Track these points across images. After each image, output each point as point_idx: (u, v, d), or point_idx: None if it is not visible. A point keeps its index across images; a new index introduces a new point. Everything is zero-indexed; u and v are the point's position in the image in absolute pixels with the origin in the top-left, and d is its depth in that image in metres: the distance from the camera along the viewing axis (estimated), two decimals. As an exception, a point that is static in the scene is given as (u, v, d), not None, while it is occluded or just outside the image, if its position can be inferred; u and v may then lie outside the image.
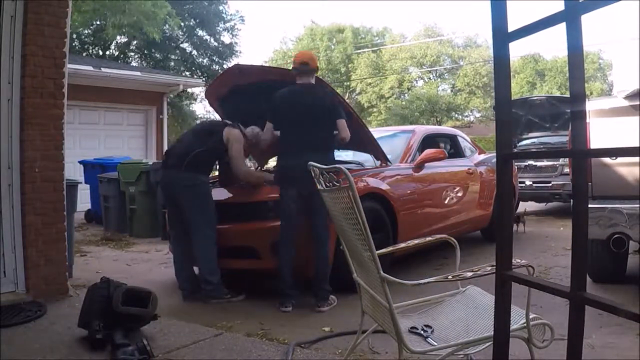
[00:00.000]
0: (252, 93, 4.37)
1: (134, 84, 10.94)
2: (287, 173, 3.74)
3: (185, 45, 23.04)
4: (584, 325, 0.94)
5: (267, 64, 29.80)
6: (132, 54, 22.35)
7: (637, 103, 3.34)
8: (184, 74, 20.05)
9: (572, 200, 0.96)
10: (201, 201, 3.85)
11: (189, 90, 18.87)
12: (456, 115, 31.48)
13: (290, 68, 3.92)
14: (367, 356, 2.66)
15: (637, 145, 1.19)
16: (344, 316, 3.33)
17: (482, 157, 6.19)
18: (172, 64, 22.16)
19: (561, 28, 0.91)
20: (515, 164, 7.17)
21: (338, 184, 1.91)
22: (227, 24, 23.47)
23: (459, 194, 5.43)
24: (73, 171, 7.65)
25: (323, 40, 34.59)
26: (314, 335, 2.95)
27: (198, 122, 23.54)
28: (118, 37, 20.08)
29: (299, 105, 3.71)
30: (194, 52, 23.49)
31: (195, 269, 4.02)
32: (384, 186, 4.29)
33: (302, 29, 40.18)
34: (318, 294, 3.63)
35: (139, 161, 7.56)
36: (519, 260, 1.74)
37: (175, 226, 4.05)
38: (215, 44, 23.48)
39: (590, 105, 3.50)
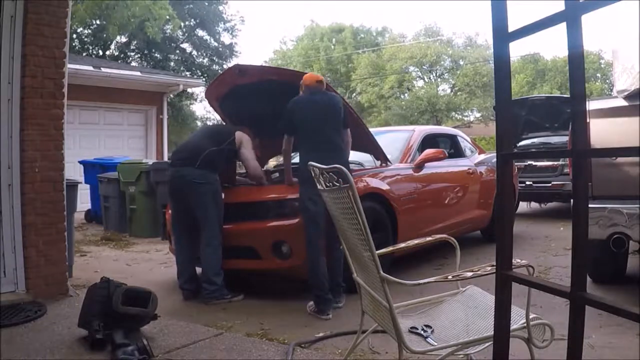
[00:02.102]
0: (252, 93, 4.37)
1: (134, 84, 10.94)
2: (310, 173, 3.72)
3: (185, 45, 23.07)
4: (584, 325, 0.94)
5: (267, 64, 29.81)
6: (132, 54, 22.36)
7: (637, 103, 3.33)
8: (184, 74, 20.06)
9: (572, 200, 0.96)
10: (212, 199, 3.84)
11: (189, 90, 18.88)
12: (456, 115, 31.47)
13: (305, 84, 3.83)
14: (367, 356, 2.66)
15: (637, 145, 1.19)
16: (344, 316, 3.33)
17: (482, 157, 6.19)
18: (172, 64, 22.17)
19: (561, 28, 0.91)
20: (515, 164, 7.16)
21: (338, 184, 1.91)
22: (227, 24, 23.49)
23: (459, 194, 5.43)
24: (73, 171, 7.65)
25: (323, 40, 34.59)
26: (314, 335, 2.96)
27: (200, 124, 23.57)
28: (118, 37, 20.10)
29: (319, 111, 3.67)
30: (194, 52, 23.51)
31: (197, 269, 4.01)
32: (384, 186, 4.29)
33: (302, 29, 40.22)
34: (335, 291, 3.61)
35: (139, 161, 7.55)
36: (519, 260, 1.74)
37: (180, 225, 4.03)
38: (215, 44, 23.49)
39: (590, 105, 3.49)
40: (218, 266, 3.79)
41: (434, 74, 32.34)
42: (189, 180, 3.85)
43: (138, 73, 11.88)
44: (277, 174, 4.60)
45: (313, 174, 2.10)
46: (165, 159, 10.83)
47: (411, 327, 1.98)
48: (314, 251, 3.53)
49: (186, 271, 3.95)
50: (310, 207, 3.53)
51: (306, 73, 4.08)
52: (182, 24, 20.75)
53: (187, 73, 21.69)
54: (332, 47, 34.56)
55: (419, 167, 4.80)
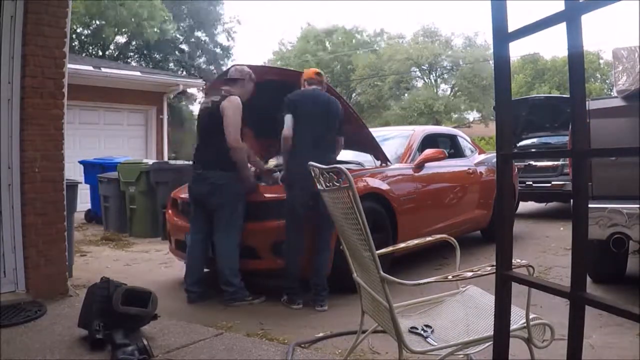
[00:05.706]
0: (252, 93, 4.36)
1: (133, 84, 10.94)
2: (295, 173, 3.72)
3: (183, 46, 23.09)
4: (584, 325, 0.94)
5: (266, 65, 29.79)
6: (132, 54, 22.38)
7: (637, 103, 3.33)
8: (183, 75, 20.07)
9: (572, 200, 0.96)
10: (228, 201, 3.73)
11: (189, 90, 18.86)
12: (456, 115, 31.47)
13: (304, 79, 3.98)
14: (367, 356, 2.66)
15: (637, 145, 1.19)
16: (344, 316, 3.33)
17: (482, 157, 6.19)
18: (171, 64, 22.19)
19: (561, 28, 0.92)
20: (515, 164, 7.16)
21: (338, 184, 1.91)
22: (225, 26, 23.55)
23: (459, 194, 5.43)
24: (73, 171, 7.64)
25: (321, 41, 34.57)
26: (314, 336, 2.96)
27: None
28: (117, 37, 20.12)
29: (317, 108, 3.79)
30: (192, 54, 23.54)
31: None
32: (384, 186, 4.29)
33: (300, 30, 40.17)
34: (319, 294, 3.63)
35: (139, 161, 7.55)
36: (519, 260, 1.74)
37: (196, 226, 3.91)
38: (212, 45, 23.53)
39: (590, 105, 3.49)
40: (235, 267, 3.72)
41: (434, 74, 32.33)
42: (202, 183, 3.79)
43: (138, 73, 11.88)
44: (277, 173, 4.58)
45: (313, 174, 2.10)
46: (165, 159, 10.83)
47: (411, 327, 1.98)
48: (293, 252, 3.65)
49: (197, 274, 3.84)
50: (296, 210, 3.65)
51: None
52: (180, 25, 20.78)
53: (185, 74, 21.70)
54: (330, 48, 34.55)
55: (419, 167, 4.80)
